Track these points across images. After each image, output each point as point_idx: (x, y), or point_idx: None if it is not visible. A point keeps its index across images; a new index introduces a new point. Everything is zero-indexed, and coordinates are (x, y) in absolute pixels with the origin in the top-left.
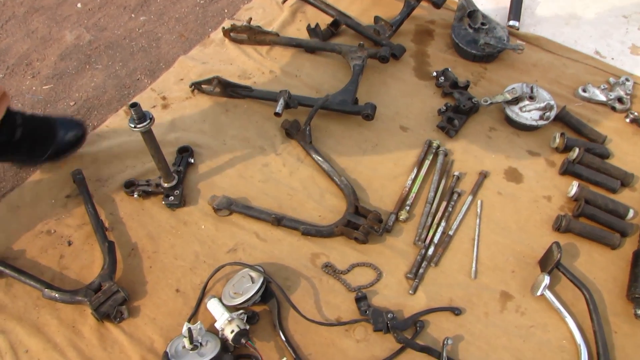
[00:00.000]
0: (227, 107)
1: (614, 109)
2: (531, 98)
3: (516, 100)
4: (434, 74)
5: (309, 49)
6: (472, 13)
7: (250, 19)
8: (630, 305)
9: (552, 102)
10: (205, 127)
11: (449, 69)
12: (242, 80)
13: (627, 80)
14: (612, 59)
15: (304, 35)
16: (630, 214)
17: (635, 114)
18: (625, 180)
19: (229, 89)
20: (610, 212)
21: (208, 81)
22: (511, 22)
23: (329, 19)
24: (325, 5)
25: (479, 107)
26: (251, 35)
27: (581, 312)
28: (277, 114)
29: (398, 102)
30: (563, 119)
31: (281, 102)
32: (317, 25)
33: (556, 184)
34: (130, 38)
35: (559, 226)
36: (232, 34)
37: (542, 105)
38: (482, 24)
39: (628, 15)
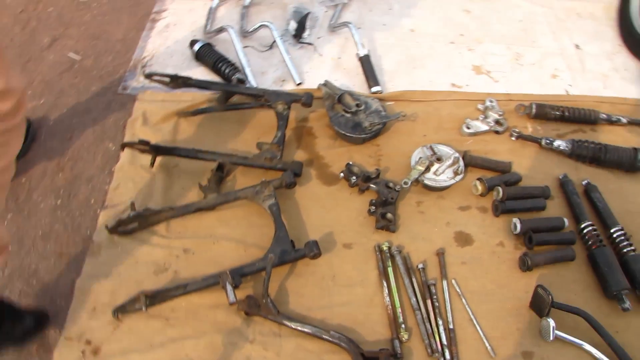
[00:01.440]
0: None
1: (497, 132)
2: (438, 159)
3: (427, 168)
4: (341, 175)
5: (211, 208)
6: (342, 97)
7: (133, 203)
8: (612, 302)
9: (456, 154)
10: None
11: (350, 163)
12: (162, 275)
13: (491, 101)
14: (467, 85)
15: (192, 194)
16: (566, 222)
17: (516, 130)
18: (545, 195)
19: (159, 299)
20: (552, 230)
21: (133, 301)
22: (374, 89)
23: (208, 166)
24: (202, 153)
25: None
26: (143, 221)
27: (585, 330)
28: (232, 304)
29: (325, 220)
30: (470, 163)
31: (229, 288)
32: (206, 180)
33: (499, 227)
34: None
35: (527, 267)
36: (120, 229)
37: (450, 161)
38: (357, 104)
39: (454, 41)
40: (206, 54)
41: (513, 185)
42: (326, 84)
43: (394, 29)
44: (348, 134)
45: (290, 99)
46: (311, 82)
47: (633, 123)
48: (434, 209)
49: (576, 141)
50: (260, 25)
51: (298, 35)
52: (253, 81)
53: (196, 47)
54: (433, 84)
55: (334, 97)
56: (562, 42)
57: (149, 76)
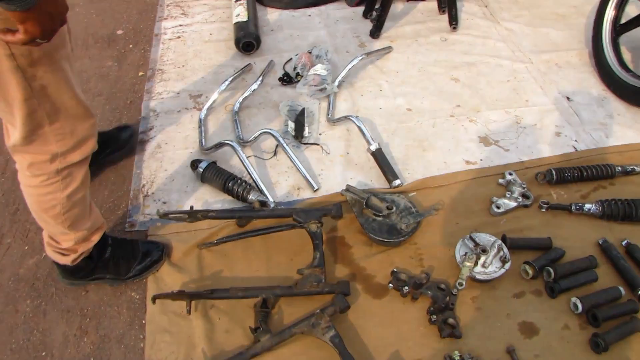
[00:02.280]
0: None
1: (526, 206)
2: (483, 251)
3: (475, 262)
4: (390, 286)
5: (267, 350)
6: (370, 202)
7: None
8: None
9: (499, 241)
10: None
11: (396, 270)
12: None
13: (511, 174)
14: (481, 160)
15: (238, 337)
16: (622, 291)
17: (545, 200)
18: (592, 265)
19: None
20: (611, 301)
21: None
22: (395, 183)
23: (249, 301)
24: (243, 291)
25: None
26: None
27: None
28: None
29: (387, 338)
30: (512, 247)
31: None
32: (254, 321)
33: (558, 309)
34: None
35: (601, 348)
36: None
37: (495, 250)
38: (388, 207)
39: (453, 113)
40: (213, 175)
41: (558, 260)
42: (348, 189)
43: (391, 112)
44: (386, 240)
45: (321, 214)
46: (328, 185)
47: None
48: (489, 302)
49: (605, 202)
50: (261, 133)
51: (299, 135)
52: (269, 196)
53: (201, 168)
54: (448, 165)
55: (361, 202)
56: (553, 95)
57: (164, 216)
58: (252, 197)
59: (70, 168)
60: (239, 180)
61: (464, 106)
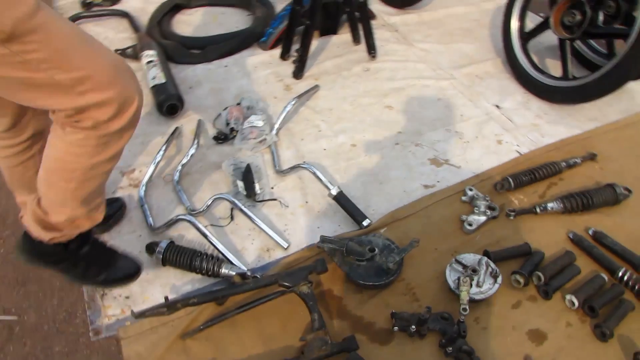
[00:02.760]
0: None
1: (495, 217)
2: (474, 271)
3: (470, 285)
4: (395, 329)
5: None
6: (350, 249)
7: None
8: None
9: (483, 258)
10: None
11: (395, 312)
12: None
13: (471, 189)
14: (438, 182)
15: None
16: (605, 278)
17: (510, 209)
18: (572, 259)
19: None
20: (599, 290)
21: None
22: (365, 223)
23: None
24: None
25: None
26: None
27: None
28: None
29: None
30: (497, 260)
31: None
32: None
33: (556, 309)
34: None
35: (609, 335)
36: None
37: (484, 267)
38: (370, 249)
39: (398, 141)
40: (176, 255)
41: (541, 263)
42: (324, 240)
43: (337, 151)
44: (376, 284)
45: (306, 273)
46: (296, 240)
47: (585, 159)
48: (492, 319)
49: (564, 198)
50: (213, 200)
51: (251, 193)
52: (240, 264)
53: (160, 251)
54: (408, 193)
55: (341, 251)
56: (483, 106)
57: (140, 316)
58: (224, 270)
59: (109, 137)
60: (205, 256)
61: (406, 132)
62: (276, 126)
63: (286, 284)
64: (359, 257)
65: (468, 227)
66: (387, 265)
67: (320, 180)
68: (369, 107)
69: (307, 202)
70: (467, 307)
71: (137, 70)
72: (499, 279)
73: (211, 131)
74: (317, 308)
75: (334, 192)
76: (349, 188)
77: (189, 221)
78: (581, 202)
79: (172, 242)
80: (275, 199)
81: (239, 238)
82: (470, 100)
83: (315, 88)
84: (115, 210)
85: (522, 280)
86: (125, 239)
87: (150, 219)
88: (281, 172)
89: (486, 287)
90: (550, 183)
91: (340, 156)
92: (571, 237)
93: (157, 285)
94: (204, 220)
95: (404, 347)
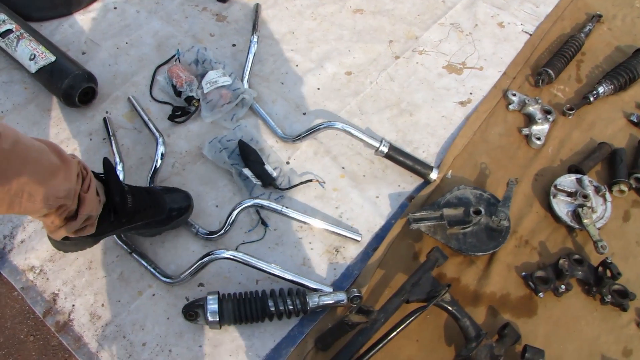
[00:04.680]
0: None
1: (553, 120)
2: (585, 197)
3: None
4: (541, 295)
5: None
6: (450, 219)
7: None
8: None
9: (583, 178)
10: None
11: (526, 274)
12: None
13: (514, 94)
14: (470, 94)
15: None
16: None
17: (569, 106)
18: None
19: None
20: None
21: None
22: (433, 175)
23: None
24: None
25: None
26: None
27: None
28: None
29: (572, 341)
30: (587, 172)
31: None
32: None
33: None
34: None
35: None
36: None
37: (592, 188)
38: (475, 211)
39: (397, 54)
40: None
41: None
42: (414, 218)
43: (333, 87)
44: (494, 250)
45: (430, 276)
46: (360, 223)
47: (593, 23)
48: (611, 241)
49: (610, 77)
50: (238, 212)
51: (268, 180)
52: (322, 286)
53: (213, 311)
54: (447, 117)
55: (442, 225)
56: None
57: None
58: (315, 300)
59: None
60: (277, 294)
61: (397, 39)
62: (246, 77)
63: (421, 298)
64: (464, 225)
65: (537, 142)
66: (495, 224)
67: (358, 138)
68: (336, 18)
69: (343, 168)
70: (602, 240)
71: None
72: (607, 196)
73: (154, 109)
74: (465, 312)
75: (384, 148)
76: (378, 132)
77: (227, 257)
78: (627, 76)
79: (220, 294)
80: (310, 180)
81: (289, 248)
82: None
83: (258, 8)
84: (183, 208)
85: (625, 189)
86: (133, 307)
87: (159, 274)
88: (291, 139)
89: (600, 209)
90: (577, 62)
91: (342, 92)
92: (634, 120)
93: (225, 355)
94: (224, 244)
95: (553, 312)
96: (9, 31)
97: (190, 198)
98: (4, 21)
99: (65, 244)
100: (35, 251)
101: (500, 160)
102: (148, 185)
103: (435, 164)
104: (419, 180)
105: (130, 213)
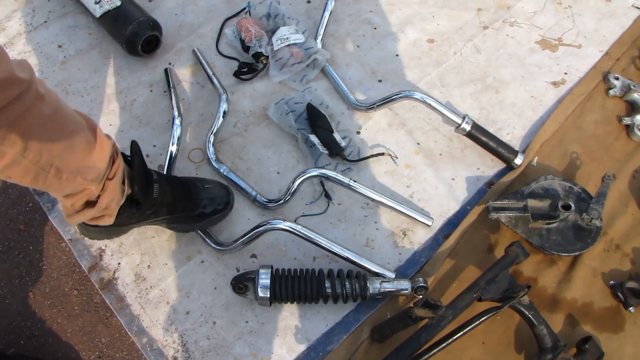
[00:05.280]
0: None
1: None
2: None
3: None
4: (631, 309)
5: None
6: (534, 211)
7: None
8: None
9: None
10: None
11: (614, 283)
12: None
13: (616, 78)
14: (565, 74)
15: None
16: None
17: None
18: None
19: None
20: None
21: None
22: (518, 160)
23: None
24: None
25: None
26: None
27: None
28: None
29: None
30: None
31: None
32: None
33: None
34: None
35: None
36: None
37: None
38: (564, 206)
39: (485, 24)
40: (291, 286)
41: None
42: (494, 207)
43: (414, 54)
44: (583, 251)
45: (508, 274)
46: (432, 206)
47: None
48: None
49: None
50: (301, 182)
51: (336, 150)
52: (385, 271)
53: (265, 286)
54: (537, 98)
55: (525, 217)
56: None
57: None
58: (376, 286)
59: None
60: (336, 275)
61: (487, 7)
62: (320, 37)
63: (491, 296)
64: (549, 220)
65: (639, 134)
66: (589, 223)
67: (438, 112)
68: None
69: (419, 143)
70: None
71: None
72: None
73: (220, 64)
74: (543, 318)
75: (466, 126)
76: (459, 107)
77: (283, 229)
78: None
79: (273, 269)
80: (382, 154)
81: (354, 226)
82: None
83: None
84: (221, 205)
85: None
86: (180, 272)
87: (209, 239)
88: (364, 108)
89: None
90: None
91: (423, 61)
92: None
93: (272, 334)
94: (283, 214)
95: None
96: None
97: (231, 194)
98: None
99: (90, 231)
100: None
101: (594, 152)
102: (211, 153)
103: (520, 148)
104: (500, 165)
105: (157, 205)
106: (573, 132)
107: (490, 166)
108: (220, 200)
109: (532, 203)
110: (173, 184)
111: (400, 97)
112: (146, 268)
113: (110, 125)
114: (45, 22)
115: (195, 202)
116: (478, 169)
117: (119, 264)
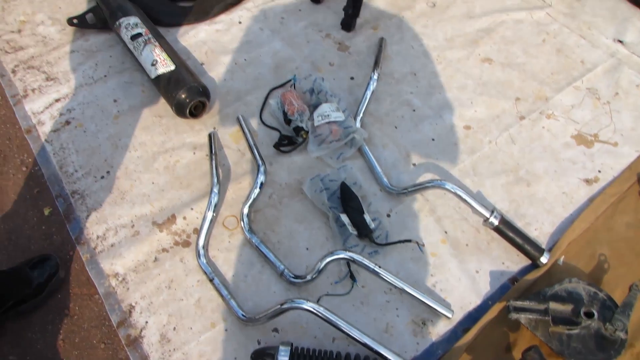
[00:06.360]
0: None
1: None
2: None
3: None
4: None
5: None
6: (555, 315)
7: None
8: None
9: None
10: None
11: None
12: None
13: None
14: (599, 171)
15: None
16: None
17: None
18: None
19: None
20: None
21: None
22: (543, 259)
23: None
24: None
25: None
26: None
27: None
28: None
29: None
30: None
31: None
32: None
33: None
34: None
35: None
36: None
37: None
38: (587, 313)
39: (522, 114)
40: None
41: None
42: (515, 307)
43: (448, 140)
44: None
45: None
46: (454, 298)
47: None
48: None
49: None
50: (328, 262)
51: (365, 232)
52: None
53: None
54: (568, 195)
55: (545, 321)
56: (602, 43)
57: None
58: None
59: None
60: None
61: (525, 97)
62: (360, 116)
63: None
64: (570, 325)
65: None
66: (613, 333)
67: (468, 203)
68: (462, 64)
69: (446, 232)
70: None
71: (113, 46)
72: None
73: (261, 132)
74: None
75: (494, 220)
76: (489, 198)
77: (307, 309)
78: None
79: (293, 346)
80: (409, 240)
81: (374, 310)
82: (582, 37)
83: (383, 43)
84: (49, 276)
85: None
86: (203, 338)
87: (237, 308)
88: (396, 192)
89: None
90: None
91: (458, 147)
92: None
93: None
94: (308, 291)
95: None
96: (139, 35)
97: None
98: (136, 24)
99: None
100: (121, 258)
101: (625, 256)
102: (246, 223)
103: (547, 246)
104: (525, 261)
105: None
106: (603, 233)
107: (515, 262)
108: (47, 271)
109: (553, 306)
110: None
111: (432, 185)
112: (172, 330)
113: (153, 183)
114: (105, 76)
115: (26, 282)
116: (503, 263)
117: (147, 322)
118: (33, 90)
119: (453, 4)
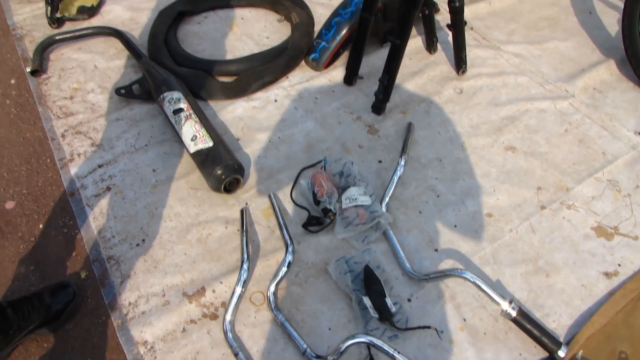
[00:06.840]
0: None
1: None
2: None
3: None
4: None
5: None
6: None
7: None
8: None
9: None
10: None
11: None
12: None
13: None
14: (619, 265)
15: None
16: None
17: None
18: None
19: None
20: None
21: None
22: (561, 353)
23: None
24: None
25: None
26: None
27: None
28: None
29: None
30: None
31: None
32: None
33: None
34: None
35: None
36: None
37: None
38: None
39: (543, 204)
40: None
41: None
42: None
43: (470, 226)
44: None
45: None
46: None
47: None
48: None
49: None
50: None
51: (386, 315)
52: None
53: None
54: (587, 288)
55: None
56: (623, 135)
57: None
58: None
59: None
60: None
61: (547, 187)
62: (386, 200)
63: None
64: None
65: None
66: None
67: (487, 293)
68: (487, 151)
69: (465, 319)
70: None
71: (155, 117)
72: None
73: (290, 210)
74: None
75: (512, 311)
76: (508, 287)
77: None
78: None
79: None
80: (429, 327)
81: None
82: (604, 128)
83: (411, 128)
84: (66, 303)
85: None
86: None
87: None
88: (418, 277)
89: None
90: None
91: (479, 234)
92: None
93: None
94: None
95: None
96: (181, 110)
97: (71, 289)
98: (179, 99)
99: None
100: (151, 326)
101: None
102: (272, 300)
103: (565, 339)
104: (543, 353)
105: (14, 328)
106: (623, 329)
107: (532, 353)
108: (64, 298)
109: None
110: (22, 303)
111: (453, 274)
112: None
113: (185, 254)
114: (146, 145)
115: (45, 307)
116: (520, 354)
117: None
118: (79, 155)
119: (480, 91)
